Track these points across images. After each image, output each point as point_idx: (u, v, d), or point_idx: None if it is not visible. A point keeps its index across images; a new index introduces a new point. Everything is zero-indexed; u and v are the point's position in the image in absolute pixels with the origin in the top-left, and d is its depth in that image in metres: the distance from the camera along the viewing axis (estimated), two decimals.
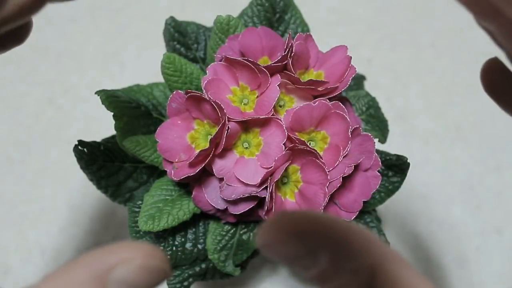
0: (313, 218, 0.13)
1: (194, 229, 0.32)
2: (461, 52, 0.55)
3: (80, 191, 0.47)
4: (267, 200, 0.27)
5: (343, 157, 0.28)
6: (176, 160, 0.29)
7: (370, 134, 0.29)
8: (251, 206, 0.28)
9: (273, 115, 0.28)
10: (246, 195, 0.27)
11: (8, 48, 0.22)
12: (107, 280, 0.13)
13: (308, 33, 0.30)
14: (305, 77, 0.30)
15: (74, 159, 0.31)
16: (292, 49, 0.28)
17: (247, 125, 0.29)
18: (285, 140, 0.28)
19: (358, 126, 0.29)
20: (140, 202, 0.32)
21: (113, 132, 0.31)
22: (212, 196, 0.29)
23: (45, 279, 0.13)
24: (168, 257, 0.31)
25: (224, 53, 0.29)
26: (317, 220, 0.13)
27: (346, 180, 0.29)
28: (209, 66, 0.29)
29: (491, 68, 0.20)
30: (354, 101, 0.34)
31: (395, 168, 0.31)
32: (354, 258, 0.13)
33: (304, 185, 0.28)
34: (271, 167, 0.27)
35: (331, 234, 0.13)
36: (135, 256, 0.13)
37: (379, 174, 0.30)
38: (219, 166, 0.28)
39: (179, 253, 0.31)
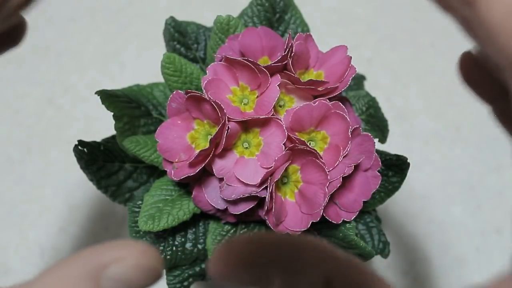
0: (258, 242, 0.13)
1: (194, 229, 0.32)
2: (461, 52, 0.55)
3: (80, 191, 0.47)
4: (267, 200, 0.27)
5: (343, 157, 0.28)
6: (176, 160, 0.29)
7: (370, 134, 0.29)
8: (251, 206, 0.28)
9: (273, 115, 0.28)
10: (246, 195, 0.27)
11: (3, 51, 0.22)
12: (101, 278, 0.13)
13: (308, 33, 0.30)
14: (305, 77, 0.30)
15: (74, 159, 0.31)
16: (292, 49, 0.28)
17: (247, 125, 0.29)
18: (285, 140, 0.28)
19: (358, 126, 0.29)
20: (140, 202, 0.32)
21: (113, 132, 0.31)
22: (212, 196, 0.29)
23: (40, 276, 0.13)
24: (164, 256, 0.31)
25: (224, 53, 0.29)
26: (263, 242, 0.13)
27: (346, 180, 0.29)
28: (209, 66, 0.29)
29: (466, 59, 0.21)
30: (354, 101, 0.34)
31: (395, 168, 0.31)
32: (306, 272, 0.13)
33: (304, 185, 0.28)
34: (271, 167, 0.27)
35: (278, 254, 0.13)
36: (130, 255, 0.14)
37: (379, 174, 0.30)
38: (219, 166, 0.28)
39: (179, 253, 0.31)
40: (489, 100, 0.21)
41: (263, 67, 0.28)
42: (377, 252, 0.31)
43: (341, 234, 0.30)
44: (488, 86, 0.21)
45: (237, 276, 0.13)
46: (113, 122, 0.30)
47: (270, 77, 0.28)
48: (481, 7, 0.14)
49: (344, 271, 0.13)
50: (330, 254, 0.13)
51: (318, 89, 0.29)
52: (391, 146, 0.35)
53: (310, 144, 0.29)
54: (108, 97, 0.29)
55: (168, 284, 0.32)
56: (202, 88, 0.28)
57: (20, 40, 0.22)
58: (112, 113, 0.30)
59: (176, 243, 0.31)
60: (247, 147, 0.29)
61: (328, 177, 0.27)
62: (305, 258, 0.13)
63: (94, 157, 0.32)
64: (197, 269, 0.32)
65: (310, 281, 0.13)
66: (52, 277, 0.13)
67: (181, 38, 0.34)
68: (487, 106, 0.21)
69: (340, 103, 0.29)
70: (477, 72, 0.21)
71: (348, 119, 0.28)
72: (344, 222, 0.29)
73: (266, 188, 0.28)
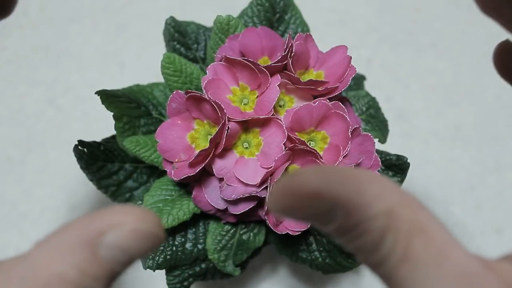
0: (323, 176, 0.13)
1: (194, 229, 0.32)
2: (461, 52, 0.55)
3: (80, 191, 0.47)
4: (267, 200, 0.27)
5: (343, 157, 0.28)
6: (176, 160, 0.29)
7: (370, 134, 0.29)
8: (251, 206, 0.28)
9: (273, 115, 0.28)
10: (246, 195, 0.27)
11: None
12: (98, 245, 0.13)
13: (308, 33, 0.30)
14: (305, 77, 0.30)
15: (74, 159, 0.31)
16: (292, 49, 0.28)
17: (247, 125, 0.29)
18: (285, 140, 0.28)
19: (358, 126, 0.29)
20: (140, 202, 0.32)
21: (113, 132, 0.31)
22: (212, 196, 0.29)
23: (35, 247, 0.13)
24: (164, 256, 0.31)
25: (224, 53, 0.29)
26: (327, 176, 0.13)
27: None
28: (209, 66, 0.29)
29: (503, 50, 0.20)
30: (354, 101, 0.34)
31: (395, 168, 0.31)
32: (369, 207, 0.12)
33: None
34: (271, 167, 0.27)
35: (344, 188, 0.12)
36: (126, 220, 0.13)
37: (379, 174, 0.30)
38: (219, 166, 0.28)
39: (179, 253, 0.31)
40: None
41: (263, 67, 0.28)
42: None
43: None
44: None
45: (299, 210, 0.13)
46: (113, 122, 0.30)
47: (270, 77, 0.28)
48: None
49: (406, 204, 0.13)
50: (393, 190, 0.13)
51: (318, 89, 0.29)
52: (391, 146, 0.35)
53: (310, 144, 0.29)
54: (108, 97, 0.29)
55: (168, 284, 0.32)
56: (202, 88, 0.28)
57: (11, 10, 0.21)
58: (112, 113, 0.30)
59: (176, 243, 0.31)
60: (247, 147, 0.29)
61: None
62: (369, 192, 0.13)
63: (94, 157, 0.32)
64: (197, 269, 0.32)
65: (373, 214, 0.13)
66: (47, 247, 0.13)
67: (181, 38, 0.34)
68: None
69: (340, 103, 0.29)
70: None
71: (348, 119, 0.28)
72: None
73: (266, 188, 0.28)
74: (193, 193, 0.29)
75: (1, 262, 0.13)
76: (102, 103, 0.29)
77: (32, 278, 0.13)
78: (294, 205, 0.13)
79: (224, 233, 0.31)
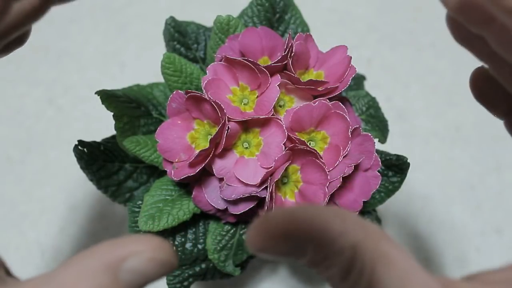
0: (293, 216, 0.14)
1: (194, 229, 0.32)
2: (461, 52, 0.55)
3: (80, 191, 0.47)
4: (267, 200, 0.27)
5: (343, 157, 0.28)
6: (176, 160, 0.29)
7: (370, 134, 0.29)
8: (251, 206, 0.28)
9: (273, 115, 0.28)
10: (246, 195, 0.27)
11: (10, 51, 0.23)
12: (119, 270, 0.14)
13: (308, 33, 0.30)
14: (305, 77, 0.30)
15: (74, 159, 0.31)
16: (292, 49, 0.28)
17: (247, 125, 0.29)
18: (285, 140, 0.28)
19: (358, 126, 0.29)
20: (140, 202, 0.32)
21: (113, 132, 0.31)
22: (212, 196, 0.29)
23: (59, 268, 0.14)
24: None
25: (224, 53, 0.29)
26: (297, 216, 0.14)
27: (346, 180, 0.29)
28: (209, 66, 0.29)
29: (478, 76, 0.22)
30: (354, 101, 0.34)
31: (395, 168, 0.31)
32: (335, 242, 0.14)
33: (304, 185, 0.28)
34: (271, 167, 0.27)
35: (311, 227, 0.14)
36: (145, 249, 0.15)
37: (379, 174, 0.30)
38: (219, 166, 0.28)
39: (179, 253, 0.31)
40: (503, 113, 0.22)
41: (263, 67, 0.28)
42: None
43: None
44: (501, 100, 0.21)
45: (274, 249, 0.14)
46: (113, 122, 0.30)
47: (270, 77, 0.28)
48: None
49: (369, 241, 0.14)
50: (358, 225, 0.14)
51: (318, 89, 0.29)
52: (391, 146, 0.35)
53: (310, 144, 0.29)
54: (108, 97, 0.29)
55: (168, 284, 0.32)
56: (202, 88, 0.28)
57: (25, 40, 0.23)
58: (112, 113, 0.30)
59: (176, 243, 0.31)
60: (247, 147, 0.29)
61: (328, 177, 0.27)
62: (335, 228, 0.14)
63: (94, 157, 0.32)
64: (197, 269, 0.32)
65: (339, 250, 0.14)
66: (71, 270, 0.14)
67: (181, 38, 0.34)
68: (501, 119, 0.22)
69: (340, 103, 0.29)
70: (490, 87, 0.21)
71: (348, 119, 0.28)
72: None
73: (266, 188, 0.28)
74: (193, 193, 0.29)
75: (27, 280, 0.15)
76: (102, 103, 0.29)
77: None
78: (268, 247, 0.14)
79: (224, 233, 0.31)
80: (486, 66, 0.21)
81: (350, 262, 0.14)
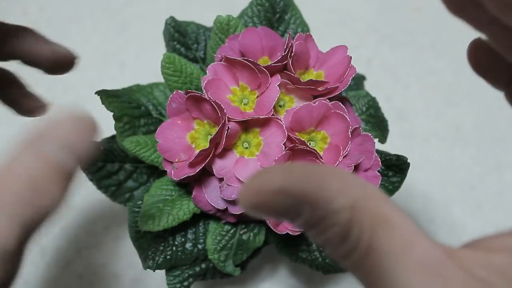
0: (288, 173, 0.13)
1: (194, 229, 0.32)
2: (461, 52, 0.55)
3: (80, 191, 0.47)
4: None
5: (343, 157, 0.28)
6: (176, 160, 0.29)
7: (370, 134, 0.29)
8: None
9: (273, 115, 0.28)
10: None
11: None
12: (43, 145, 0.14)
13: (308, 33, 0.30)
14: (305, 77, 0.30)
15: None
16: (292, 49, 0.28)
17: (247, 125, 0.29)
18: (285, 140, 0.28)
19: (358, 126, 0.29)
20: (140, 202, 0.32)
21: (113, 132, 0.31)
22: (212, 196, 0.29)
23: None
24: (164, 256, 0.31)
25: (224, 53, 0.29)
26: (292, 174, 0.13)
27: None
28: (209, 66, 0.29)
29: (476, 47, 0.21)
30: (354, 101, 0.34)
31: (395, 168, 0.31)
32: (333, 201, 0.13)
33: None
34: None
35: (308, 185, 0.13)
36: (63, 118, 0.14)
37: (379, 174, 0.30)
38: (219, 166, 0.28)
39: (179, 253, 0.31)
40: (503, 85, 0.21)
41: (263, 67, 0.28)
42: None
43: None
44: (500, 71, 0.21)
45: (268, 206, 0.13)
46: (113, 122, 0.30)
47: (270, 77, 0.28)
48: None
49: (367, 201, 0.13)
50: (356, 185, 0.14)
51: (318, 89, 0.28)
52: (391, 146, 0.35)
53: (310, 144, 0.29)
54: (108, 97, 0.29)
55: (168, 284, 0.32)
56: (202, 88, 0.28)
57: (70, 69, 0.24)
58: (112, 113, 0.30)
59: (176, 243, 0.31)
60: (247, 147, 0.29)
61: None
62: (333, 187, 0.13)
63: (94, 157, 0.32)
64: (197, 269, 0.32)
65: (337, 209, 0.13)
66: (5, 175, 0.14)
67: (181, 38, 0.34)
68: (501, 91, 0.21)
69: (340, 103, 0.29)
70: (488, 58, 0.21)
71: (348, 119, 0.28)
72: None
73: None
74: (193, 193, 0.29)
75: None
76: (102, 103, 0.29)
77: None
78: (262, 202, 0.13)
79: (224, 233, 0.31)
80: (484, 37, 0.20)
81: (348, 223, 0.13)
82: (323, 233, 0.14)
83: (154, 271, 0.31)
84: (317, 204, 0.13)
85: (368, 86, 0.40)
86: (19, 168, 0.14)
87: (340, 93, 0.29)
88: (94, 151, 0.14)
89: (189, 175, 0.27)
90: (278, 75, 0.29)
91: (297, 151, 0.28)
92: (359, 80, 0.39)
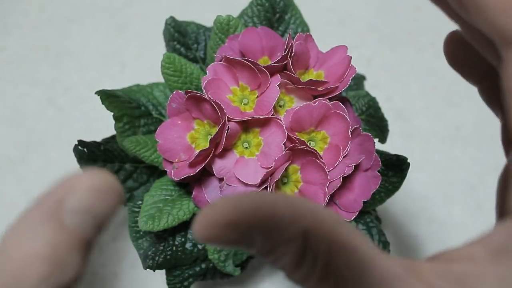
0: (236, 205, 0.13)
1: None
2: None
3: None
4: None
5: (343, 157, 0.28)
6: (176, 160, 0.29)
7: (370, 134, 0.29)
8: None
9: (273, 115, 0.28)
10: None
11: None
12: (62, 214, 0.13)
13: (308, 33, 0.30)
14: (305, 77, 0.30)
15: (74, 159, 0.31)
16: (292, 49, 0.28)
17: (247, 125, 0.29)
18: (285, 140, 0.28)
19: (358, 126, 0.29)
20: (140, 202, 0.32)
21: (113, 132, 0.31)
22: (212, 196, 0.29)
23: (4, 238, 0.13)
24: (164, 256, 0.31)
25: (224, 53, 0.29)
26: (242, 205, 0.13)
27: (346, 180, 0.29)
28: (209, 66, 0.29)
29: (451, 40, 0.21)
30: (354, 101, 0.34)
31: (395, 168, 0.31)
32: (285, 229, 0.13)
33: (304, 185, 0.28)
34: (271, 167, 0.27)
35: (258, 215, 0.13)
36: (80, 181, 0.13)
37: (379, 174, 0.30)
38: (219, 166, 0.28)
39: (179, 253, 0.31)
40: (476, 79, 0.21)
41: (263, 67, 0.28)
42: None
43: None
44: (474, 66, 0.20)
45: (220, 238, 0.13)
46: (113, 122, 0.30)
47: (270, 77, 0.28)
48: None
49: (321, 226, 0.13)
50: (308, 211, 0.13)
51: (318, 89, 0.29)
52: (391, 146, 0.35)
53: (310, 144, 0.29)
54: (108, 97, 0.29)
55: (168, 284, 0.32)
56: (202, 88, 0.28)
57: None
58: (112, 113, 0.30)
59: (176, 243, 0.31)
60: (247, 147, 0.29)
61: (328, 177, 0.27)
62: (284, 215, 0.13)
63: (94, 157, 0.32)
64: (197, 269, 0.32)
65: (289, 237, 0.13)
66: (14, 232, 0.13)
67: (181, 38, 0.34)
68: (474, 86, 0.21)
69: (340, 103, 0.29)
70: (463, 52, 0.20)
71: (348, 119, 0.28)
72: None
73: (266, 188, 0.28)
74: (193, 193, 0.29)
75: None
76: (102, 103, 0.29)
77: (6, 264, 0.12)
78: (213, 236, 0.13)
79: None
80: (459, 31, 0.20)
81: (302, 250, 0.13)
82: (278, 261, 0.14)
83: (154, 271, 0.31)
84: (269, 233, 0.13)
85: (368, 86, 0.40)
86: (40, 244, 0.12)
87: (340, 93, 0.29)
88: (115, 215, 0.14)
89: (189, 175, 0.27)
90: (278, 75, 0.29)
91: (297, 151, 0.28)
92: (359, 80, 0.39)
